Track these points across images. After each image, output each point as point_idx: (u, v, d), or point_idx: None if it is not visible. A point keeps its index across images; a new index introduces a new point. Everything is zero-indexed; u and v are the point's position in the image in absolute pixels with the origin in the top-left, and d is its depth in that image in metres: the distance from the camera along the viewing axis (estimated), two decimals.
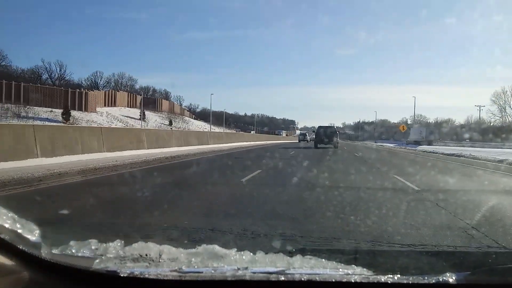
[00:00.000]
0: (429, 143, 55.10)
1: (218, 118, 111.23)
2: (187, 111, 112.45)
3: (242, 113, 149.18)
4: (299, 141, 54.51)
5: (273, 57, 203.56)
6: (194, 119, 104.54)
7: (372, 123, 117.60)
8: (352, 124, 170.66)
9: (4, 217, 1.20)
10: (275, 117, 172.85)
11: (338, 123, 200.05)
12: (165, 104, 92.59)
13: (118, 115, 65.59)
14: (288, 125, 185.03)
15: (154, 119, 74.01)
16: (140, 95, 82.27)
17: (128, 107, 75.39)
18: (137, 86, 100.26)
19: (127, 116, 67.08)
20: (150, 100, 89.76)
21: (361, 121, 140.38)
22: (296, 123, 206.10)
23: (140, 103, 68.61)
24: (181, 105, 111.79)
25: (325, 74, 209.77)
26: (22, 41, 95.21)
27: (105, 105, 68.04)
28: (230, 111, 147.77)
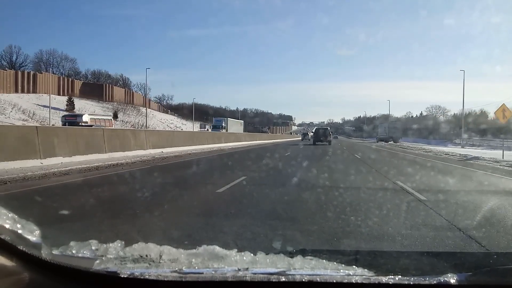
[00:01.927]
0: (395, 140, 54.61)
1: (203, 112, 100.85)
2: (157, 103, 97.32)
3: (233, 108, 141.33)
4: (302, 139, 59.11)
5: (271, 55, 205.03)
6: (163, 112, 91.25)
7: (374, 118, 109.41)
8: (352, 119, 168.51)
9: (5, 218, 1.20)
10: (270, 112, 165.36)
11: (337, 119, 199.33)
12: (118, 92, 73.33)
13: (29, 105, 47.73)
14: (285, 120, 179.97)
15: (92, 111, 54.07)
16: (81, 80, 65.76)
17: (59, 94, 57.36)
18: (82, 69, 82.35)
19: (44, 106, 46.78)
20: (95, 86, 70.32)
21: (362, 116, 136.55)
22: (293, 118, 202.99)
23: (52, 90, 48.11)
24: (145, 95, 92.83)
25: (324, 71, 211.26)
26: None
27: (16, 91, 50.50)
28: (232, 107, 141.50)
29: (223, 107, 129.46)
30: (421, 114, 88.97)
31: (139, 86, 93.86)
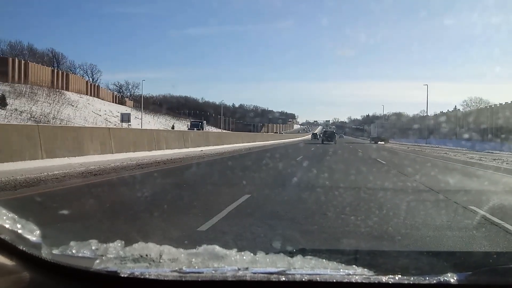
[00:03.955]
0: (385, 141, 54.88)
1: (180, 106, 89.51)
2: (118, 92, 78.70)
3: (234, 105, 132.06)
4: (311, 139, 69.08)
5: (274, 55, 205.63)
6: (118, 103, 70.97)
7: (383, 117, 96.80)
8: (359, 118, 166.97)
9: (4, 218, 1.20)
10: (272, 110, 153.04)
11: (343, 118, 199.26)
12: (40, 72, 51.19)
13: None
14: (287, 118, 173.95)
15: None
16: None
17: None
18: None
19: None
20: None
21: (370, 115, 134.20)
22: (296, 116, 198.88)
23: None
24: (93, 80, 72.02)
25: (328, 71, 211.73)
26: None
27: None
28: (234, 104, 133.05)
29: (218, 103, 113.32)
30: (454, 108, 69.34)
31: (85, 68, 74.75)
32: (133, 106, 73.78)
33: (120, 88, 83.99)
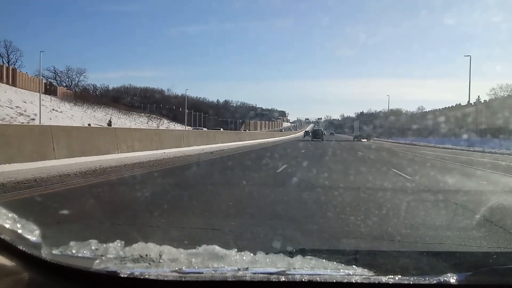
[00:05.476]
0: (368, 138, 55.73)
1: (141, 99, 78.04)
2: (55, 81, 62.40)
3: (218, 101, 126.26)
4: (304, 136, 76.32)
5: (269, 53, 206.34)
6: (46, 92, 53.85)
7: (378, 114, 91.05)
8: (353, 115, 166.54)
9: (5, 218, 1.20)
10: (261, 107, 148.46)
11: (335, 115, 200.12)
12: None
13: None
14: (277, 115, 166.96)
15: None
16: None
17: None
18: None
19: None
20: None
21: (365, 112, 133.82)
22: (286, 114, 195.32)
23: None
24: (9, 62, 54.73)
25: (321, 70, 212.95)
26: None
27: None
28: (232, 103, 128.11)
29: (200, 98, 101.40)
30: (477, 99, 55.04)
31: None
32: (64, 97, 57.81)
33: (56, 75, 66.72)
